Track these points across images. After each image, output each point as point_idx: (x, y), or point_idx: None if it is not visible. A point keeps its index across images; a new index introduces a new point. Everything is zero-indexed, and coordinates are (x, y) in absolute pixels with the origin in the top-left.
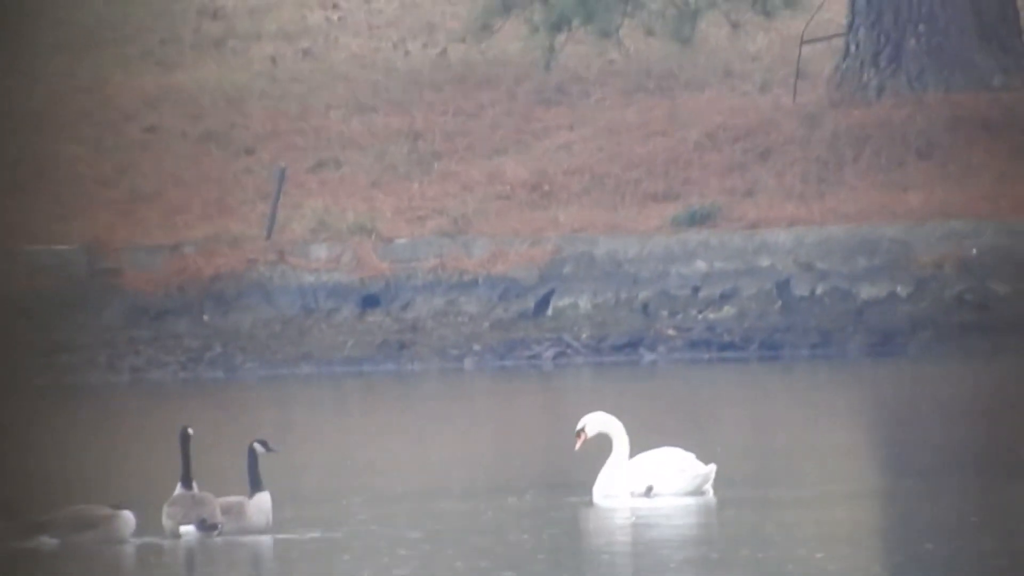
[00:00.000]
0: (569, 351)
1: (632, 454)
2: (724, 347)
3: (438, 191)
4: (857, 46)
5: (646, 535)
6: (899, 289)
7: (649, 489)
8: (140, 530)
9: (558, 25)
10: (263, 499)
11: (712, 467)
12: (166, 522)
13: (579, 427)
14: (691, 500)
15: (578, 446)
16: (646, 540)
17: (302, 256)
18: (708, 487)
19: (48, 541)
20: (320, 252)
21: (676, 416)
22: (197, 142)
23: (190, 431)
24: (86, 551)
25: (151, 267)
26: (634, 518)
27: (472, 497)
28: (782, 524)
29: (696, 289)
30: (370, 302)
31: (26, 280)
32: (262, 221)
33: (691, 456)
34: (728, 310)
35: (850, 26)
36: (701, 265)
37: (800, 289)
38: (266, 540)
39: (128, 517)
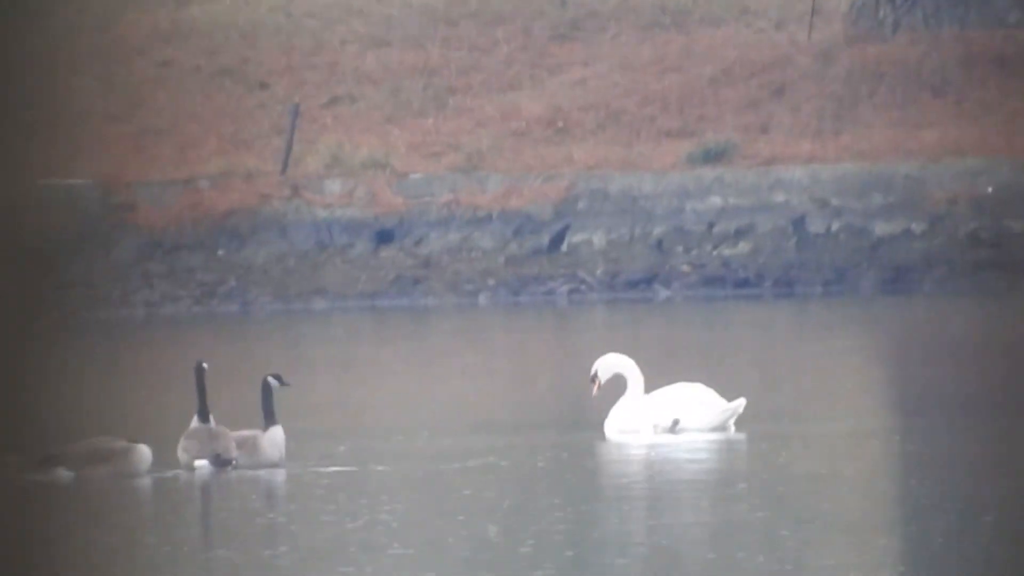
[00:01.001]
0: (583, 287)
1: (647, 390)
2: (739, 283)
3: (453, 127)
4: None
5: (665, 470)
6: (913, 226)
7: (675, 423)
8: (156, 464)
9: None
10: (276, 433)
11: (741, 401)
12: (181, 455)
13: (592, 373)
14: (716, 435)
15: (595, 392)
16: (665, 475)
17: (316, 191)
18: (732, 423)
19: (64, 473)
20: (334, 187)
21: (691, 352)
22: (211, 77)
23: (205, 365)
24: (101, 484)
25: (165, 202)
26: (653, 452)
27: (486, 432)
28: (799, 460)
29: (711, 225)
30: (384, 237)
31: (39, 216)
32: (276, 156)
33: (712, 391)
34: (743, 246)
35: None
36: (716, 201)
37: (815, 226)
38: (279, 474)
39: (144, 451)
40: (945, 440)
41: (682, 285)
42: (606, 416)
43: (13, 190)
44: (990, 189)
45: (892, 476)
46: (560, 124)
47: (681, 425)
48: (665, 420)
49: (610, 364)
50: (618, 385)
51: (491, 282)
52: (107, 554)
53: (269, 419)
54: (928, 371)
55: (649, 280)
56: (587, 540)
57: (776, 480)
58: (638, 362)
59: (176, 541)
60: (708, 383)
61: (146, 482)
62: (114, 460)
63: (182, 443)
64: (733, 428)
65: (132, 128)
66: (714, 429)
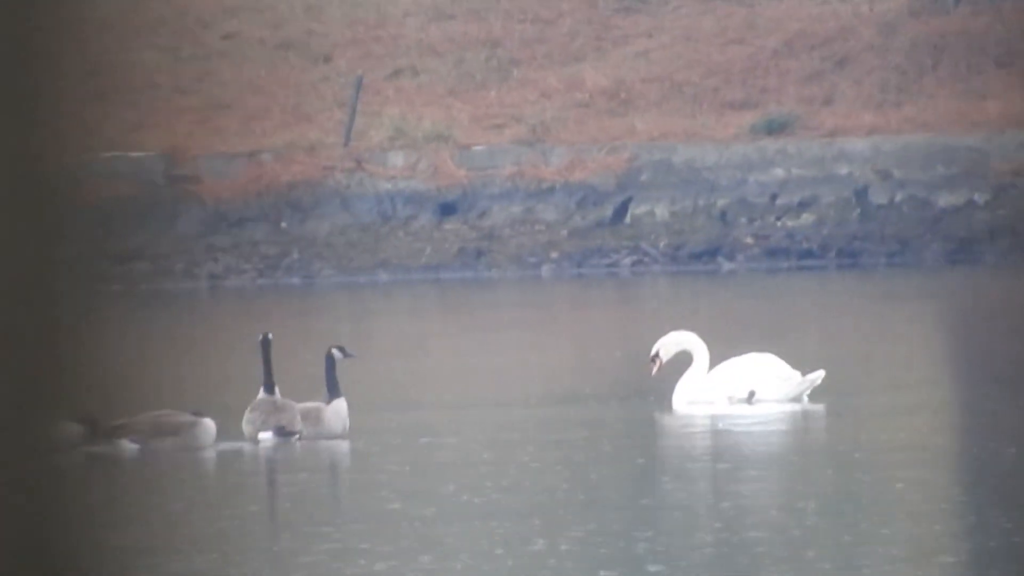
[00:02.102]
0: (646, 259)
1: (713, 362)
2: (802, 255)
3: (516, 99)
4: None
5: (733, 442)
6: (977, 197)
7: (752, 395)
8: (220, 436)
9: None
10: (340, 405)
11: (820, 373)
12: (246, 427)
13: (653, 352)
14: (793, 407)
15: (655, 371)
16: (734, 447)
17: (379, 164)
18: (807, 395)
19: (128, 446)
20: (397, 160)
21: (757, 324)
22: (275, 50)
23: (271, 336)
24: (166, 456)
25: (228, 175)
26: (721, 425)
27: (551, 404)
28: (869, 431)
29: (774, 197)
30: (447, 210)
31: (104, 188)
32: (339, 129)
33: (784, 363)
34: (806, 218)
35: None
36: (779, 173)
37: (878, 197)
38: (343, 446)
39: (209, 425)
40: (1013, 409)
41: (745, 257)
42: (672, 389)
43: (79, 161)
44: None
45: (961, 446)
46: (623, 96)
47: (757, 397)
48: (740, 391)
49: (673, 342)
50: (680, 360)
51: (554, 254)
52: (170, 525)
53: (333, 391)
54: (994, 342)
55: (712, 252)
56: (666, 513)
57: (858, 450)
58: (702, 335)
59: (240, 513)
60: (777, 355)
61: (210, 454)
62: (180, 433)
63: (247, 415)
64: (807, 400)
65: (197, 101)
66: (791, 400)
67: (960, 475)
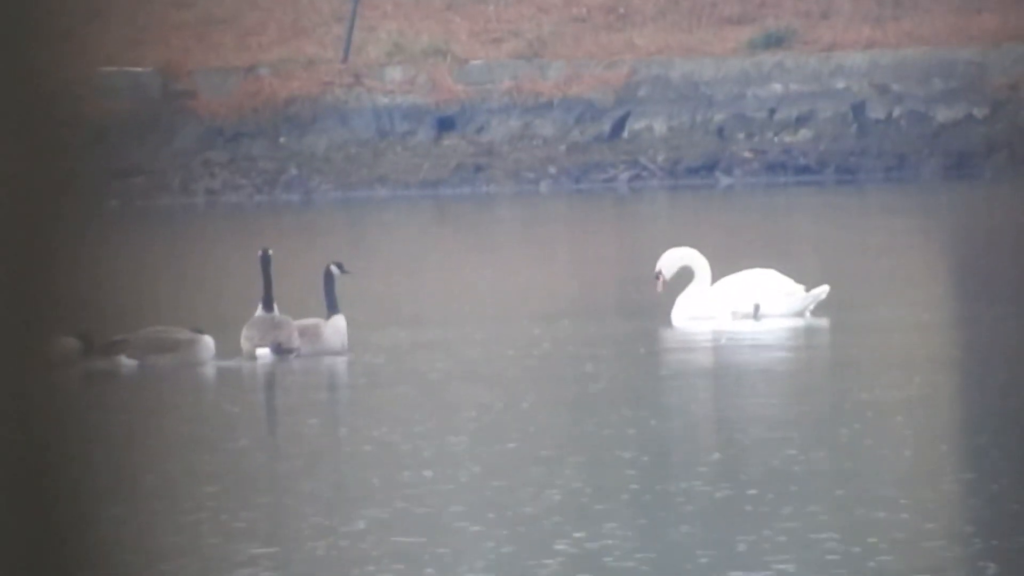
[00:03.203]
0: (644, 174)
1: (715, 278)
2: (800, 170)
3: (513, 13)
4: None
5: (735, 358)
6: (975, 111)
7: (757, 309)
8: (218, 352)
9: None
10: (339, 321)
11: (824, 288)
12: (244, 344)
13: (656, 270)
14: (798, 322)
15: (660, 289)
16: (733, 363)
17: (377, 79)
18: (809, 310)
19: (127, 362)
20: (395, 75)
21: (756, 239)
22: None
23: (271, 253)
24: (165, 372)
25: (225, 90)
26: (725, 340)
27: (550, 320)
28: (869, 349)
29: (772, 112)
30: (445, 125)
31: (100, 104)
32: (337, 44)
33: (787, 278)
34: (804, 133)
35: None
36: (777, 88)
37: (876, 112)
38: (341, 362)
39: (208, 342)
40: (1014, 329)
41: (743, 172)
42: (673, 304)
43: (74, 76)
44: None
45: (962, 364)
46: (621, 10)
47: (762, 311)
48: (744, 306)
49: (674, 258)
50: (682, 276)
51: (552, 170)
52: (166, 440)
53: (331, 307)
54: (993, 258)
55: (710, 167)
56: (672, 428)
57: (844, 368)
58: (703, 251)
59: (235, 428)
60: (773, 267)
61: (208, 370)
62: (178, 350)
63: (244, 332)
64: (809, 315)
65: (193, 16)
66: (795, 315)
67: (966, 392)
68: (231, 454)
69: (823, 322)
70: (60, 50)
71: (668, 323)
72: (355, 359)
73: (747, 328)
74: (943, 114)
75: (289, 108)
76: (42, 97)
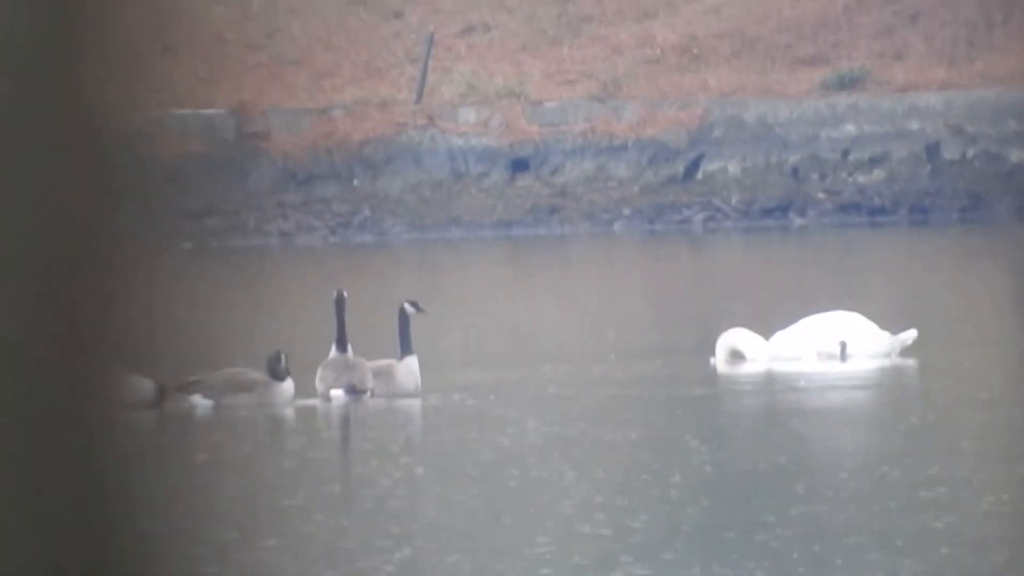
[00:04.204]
0: (718, 215)
1: (789, 321)
2: (874, 211)
3: (587, 55)
4: None
5: (821, 398)
6: None
7: (844, 347)
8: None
9: None
10: (412, 362)
11: (912, 333)
12: (318, 385)
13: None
14: (885, 362)
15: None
16: (821, 404)
17: (451, 120)
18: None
19: (202, 402)
20: (469, 116)
21: (834, 281)
22: (346, 6)
23: (345, 294)
24: (239, 414)
25: (299, 131)
26: (803, 382)
27: (625, 360)
28: (950, 385)
29: (846, 152)
30: (519, 166)
31: (174, 144)
32: (411, 85)
33: (871, 322)
34: (878, 173)
35: None
36: (851, 128)
37: (950, 152)
38: (415, 403)
39: (284, 387)
40: None
41: (817, 213)
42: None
43: (147, 116)
44: None
45: None
46: (695, 51)
47: (849, 352)
48: (831, 346)
49: (721, 346)
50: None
51: (626, 211)
52: (239, 478)
53: (405, 348)
54: None
55: (784, 208)
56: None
57: (928, 406)
58: (779, 294)
59: (311, 467)
60: (854, 310)
61: (283, 412)
62: (254, 390)
63: (319, 372)
64: (896, 356)
65: (267, 56)
66: (882, 356)
67: None
68: (294, 509)
69: (911, 362)
70: (132, 90)
71: (743, 363)
72: (428, 401)
73: (833, 369)
74: (1016, 154)
75: (363, 149)
76: (115, 137)
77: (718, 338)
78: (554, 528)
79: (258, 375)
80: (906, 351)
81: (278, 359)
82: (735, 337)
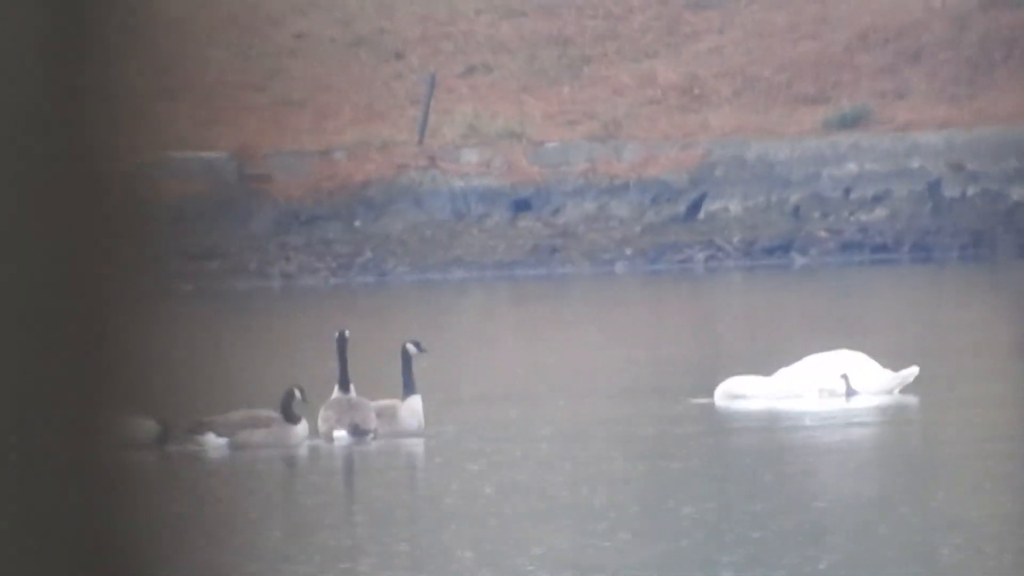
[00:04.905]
0: (720, 254)
1: (793, 359)
2: (876, 249)
3: (588, 95)
4: None
5: (825, 437)
6: None
7: (847, 380)
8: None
9: None
10: (415, 402)
11: (913, 370)
12: (321, 426)
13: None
14: (887, 400)
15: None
16: (824, 442)
17: (452, 161)
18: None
19: (215, 440)
20: (471, 157)
21: (838, 320)
22: (346, 47)
23: (347, 334)
24: (243, 456)
25: (300, 173)
26: (809, 422)
27: (625, 400)
28: (953, 425)
29: (847, 191)
30: (521, 206)
31: (175, 187)
32: (412, 126)
33: (874, 362)
34: (879, 212)
35: None
36: (852, 167)
37: (951, 191)
38: (418, 443)
39: (297, 429)
40: None
41: (819, 251)
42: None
43: (147, 158)
44: None
45: None
46: (696, 91)
47: (852, 389)
48: (833, 383)
49: (719, 394)
50: (743, 360)
51: (628, 251)
52: (236, 528)
53: (408, 388)
54: None
55: (786, 247)
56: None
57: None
58: (782, 332)
59: (315, 510)
60: (857, 348)
61: (287, 453)
62: (271, 425)
63: (322, 413)
64: (898, 393)
65: (268, 99)
66: (884, 393)
67: None
68: (309, 544)
69: (912, 399)
70: (133, 132)
71: (747, 401)
72: (431, 440)
73: (836, 406)
74: (1018, 192)
75: (364, 191)
76: (117, 180)
77: (717, 386)
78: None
79: (271, 413)
80: (909, 388)
81: (292, 396)
82: (733, 386)
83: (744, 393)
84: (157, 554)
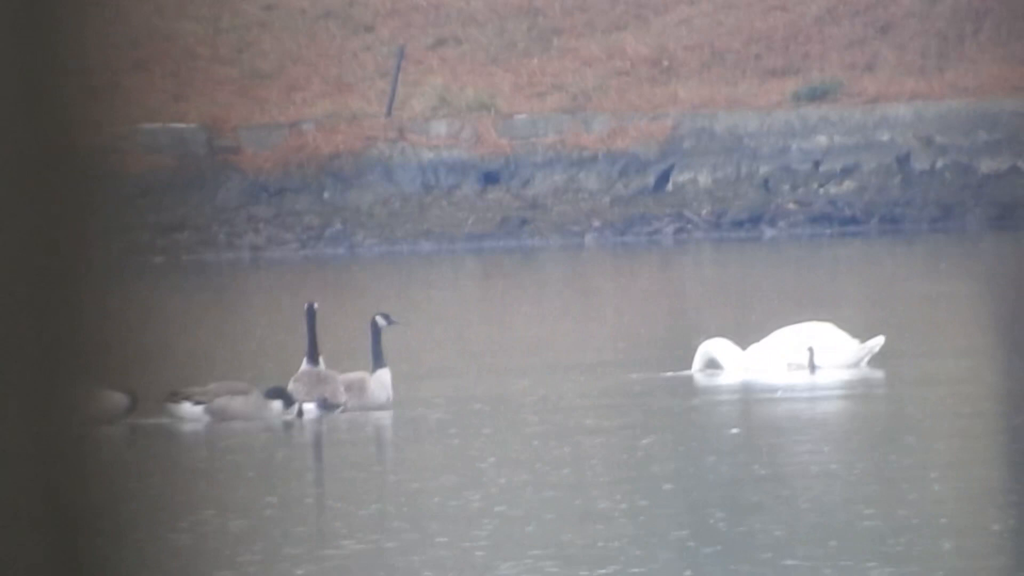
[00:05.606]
0: (689, 226)
1: (763, 333)
2: (845, 221)
3: (557, 67)
4: None
5: (793, 409)
6: (1019, 163)
7: (811, 354)
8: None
9: None
10: (384, 375)
11: (879, 340)
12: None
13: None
14: (853, 373)
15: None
16: (793, 415)
17: (422, 133)
18: (865, 361)
19: (191, 409)
20: (440, 129)
21: (806, 292)
22: (316, 20)
23: (316, 306)
24: (209, 429)
25: (270, 145)
26: (780, 392)
27: (596, 373)
28: (924, 399)
29: (817, 164)
30: (490, 179)
31: (145, 159)
32: (381, 98)
33: (842, 332)
34: (848, 184)
35: None
36: (821, 140)
37: (920, 163)
38: (387, 416)
39: (276, 404)
40: None
41: (788, 224)
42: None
43: (117, 131)
44: None
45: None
46: (665, 64)
47: (816, 363)
48: (800, 357)
49: (698, 355)
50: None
51: (597, 223)
52: (198, 500)
53: (377, 361)
54: None
55: (755, 219)
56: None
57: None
58: (751, 304)
59: (281, 482)
60: (825, 320)
61: (253, 426)
62: (250, 393)
63: (291, 386)
64: (865, 366)
65: (237, 71)
66: (850, 366)
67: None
68: (268, 517)
69: (878, 373)
70: (102, 105)
71: (719, 374)
72: (400, 413)
73: (803, 379)
74: (987, 165)
75: (333, 163)
76: (85, 152)
77: (697, 348)
78: (516, 539)
79: (247, 387)
80: (875, 361)
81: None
82: (714, 347)
83: (721, 359)
84: (122, 531)
